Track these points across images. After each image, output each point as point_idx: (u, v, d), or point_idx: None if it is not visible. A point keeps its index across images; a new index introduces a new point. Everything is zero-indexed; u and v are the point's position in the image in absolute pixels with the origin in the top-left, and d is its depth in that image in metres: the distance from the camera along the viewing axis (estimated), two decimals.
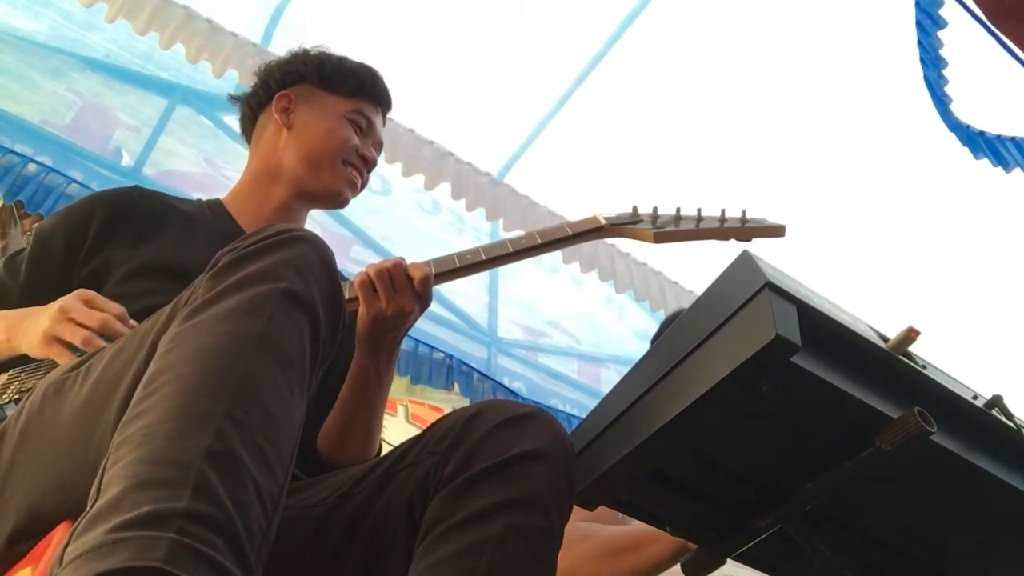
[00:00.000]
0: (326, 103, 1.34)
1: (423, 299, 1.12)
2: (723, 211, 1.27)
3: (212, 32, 3.00)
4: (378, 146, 1.39)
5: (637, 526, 1.40)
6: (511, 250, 1.21)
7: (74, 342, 0.97)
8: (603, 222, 1.27)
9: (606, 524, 1.48)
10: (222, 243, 0.81)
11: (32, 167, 2.86)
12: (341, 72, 1.36)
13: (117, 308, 1.02)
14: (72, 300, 1.02)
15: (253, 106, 1.39)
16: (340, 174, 1.31)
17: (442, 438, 0.84)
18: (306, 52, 1.40)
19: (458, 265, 1.19)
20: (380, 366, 1.13)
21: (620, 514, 1.60)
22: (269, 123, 1.35)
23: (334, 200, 1.34)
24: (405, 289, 1.10)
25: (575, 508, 0.87)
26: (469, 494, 0.77)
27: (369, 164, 1.35)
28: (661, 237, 1.25)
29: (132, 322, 1.02)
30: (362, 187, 1.37)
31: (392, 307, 1.09)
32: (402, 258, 1.14)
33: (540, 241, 1.23)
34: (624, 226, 1.27)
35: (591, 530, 1.41)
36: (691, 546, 1.27)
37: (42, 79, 3.15)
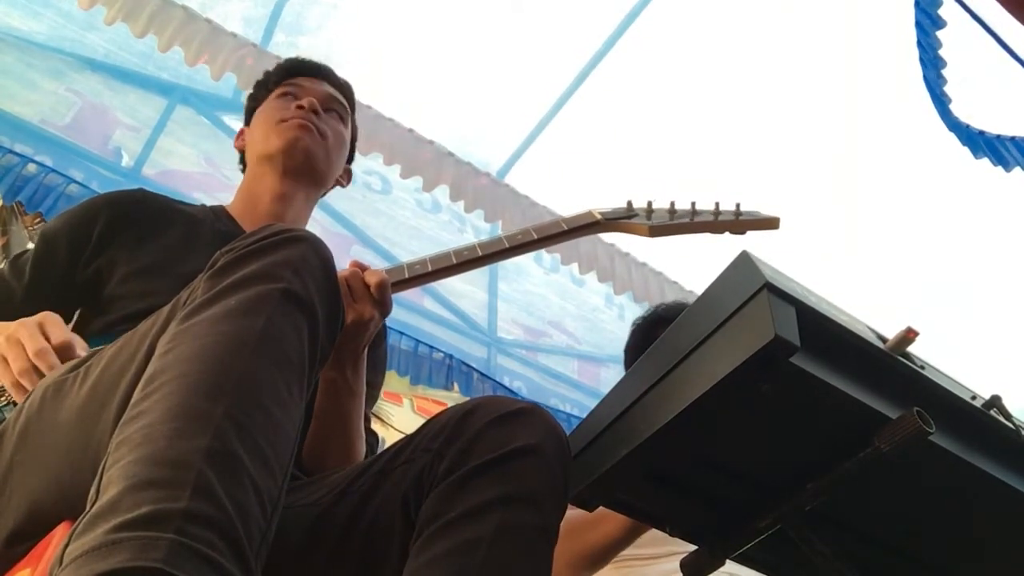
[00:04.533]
0: (263, 104, 1.43)
1: (382, 304, 1.11)
2: (717, 204, 1.28)
3: (211, 33, 3.00)
4: (319, 95, 1.40)
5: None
6: (507, 246, 1.21)
7: (13, 368, 0.95)
8: (598, 217, 1.27)
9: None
10: (223, 245, 0.81)
11: (32, 167, 2.86)
12: (267, 75, 1.47)
13: (60, 339, 0.99)
14: (29, 321, 1.00)
15: (239, 151, 1.49)
16: (282, 127, 1.34)
17: (436, 435, 0.84)
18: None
19: (455, 262, 1.19)
20: (348, 375, 1.13)
21: None
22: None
23: (293, 149, 1.33)
24: (363, 297, 1.10)
25: None
26: (464, 491, 0.77)
27: (308, 106, 1.36)
28: (656, 231, 1.25)
29: (80, 351, 0.99)
30: (321, 135, 1.35)
31: (351, 315, 1.09)
32: (361, 265, 1.14)
33: (536, 236, 1.23)
34: (619, 220, 1.27)
35: None
36: (643, 526, 1.27)
37: (42, 79, 3.15)
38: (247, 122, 1.46)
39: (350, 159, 1.53)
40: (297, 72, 1.44)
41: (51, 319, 1.02)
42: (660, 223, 1.25)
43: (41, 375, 0.94)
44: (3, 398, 1.00)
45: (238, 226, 1.32)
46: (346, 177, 1.51)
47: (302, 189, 1.36)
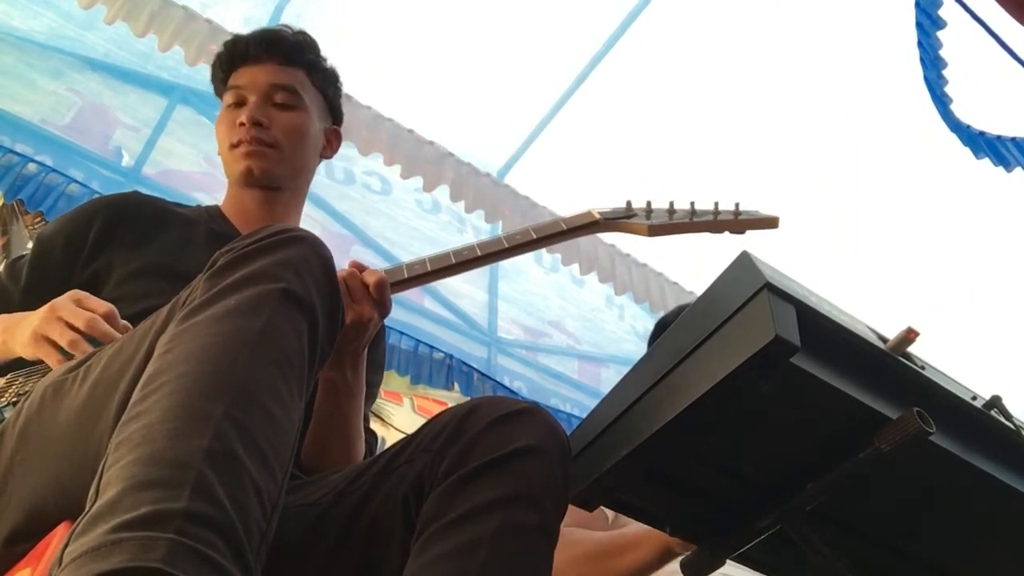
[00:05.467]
0: (220, 113, 1.34)
1: (382, 305, 1.10)
2: (716, 204, 1.28)
3: (212, 33, 3.00)
4: (260, 91, 1.30)
5: (622, 530, 1.40)
6: (506, 246, 1.21)
7: (60, 343, 0.96)
8: (598, 216, 1.27)
9: (595, 530, 1.49)
10: (220, 246, 0.81)
11: (32, 167, 2.86)
12: (214, 69, 1.37)
13: (105, 307, 1.00)
14: (63, 299, 1.01)
15: None
16: (235, 155, 1.28)
17: (437, 435, 0.84)
18: None
19: (454, 262, 1.19)
20: (347, 376, 1.12)
21: (608, 519, 1.60)
22: None
23: (248, 179, 1.29)
24: (362, 297, 1.09)
25: (567, 510, 0.87)
26: (464, 491, 0.77)
27: (249, 123, 1.27)
28: (655, 230, 1.25)
29: (123, 322, 1.01)
30: (272, 145, 1.28)
31: (351, 315, 1.08)
32: (359, 264, 1.12)
33: (535, 236, 1.23)
34: (619, 220, 1.27)
35: (577, 536, 1.41)
36: (676, 550, 1.27)
37: (42, 79, 3.15)
38: None
39: (336, 119, 1.44)
40: (238, 63, 1.34)
41: (84, 294, 1.03)
42: (659, 223, 1.25)
43: (90, 346, 0.94)
44: (3, 398, 1.00)
45: (232, 226, 1.31)
46: (335, 141, 1.43)
47: (283, 188, 1.33)
